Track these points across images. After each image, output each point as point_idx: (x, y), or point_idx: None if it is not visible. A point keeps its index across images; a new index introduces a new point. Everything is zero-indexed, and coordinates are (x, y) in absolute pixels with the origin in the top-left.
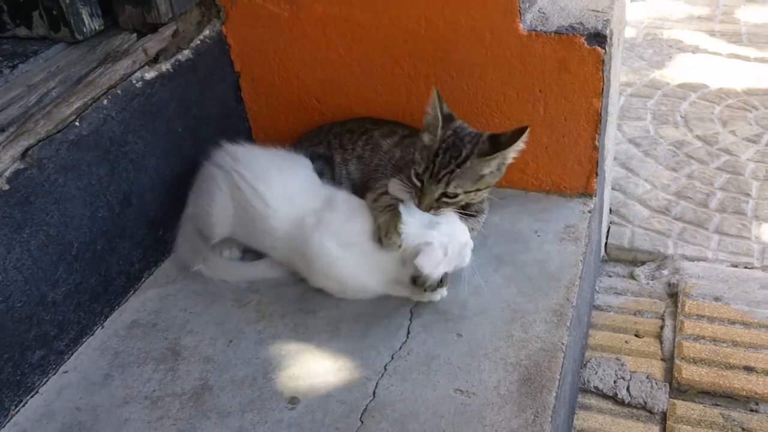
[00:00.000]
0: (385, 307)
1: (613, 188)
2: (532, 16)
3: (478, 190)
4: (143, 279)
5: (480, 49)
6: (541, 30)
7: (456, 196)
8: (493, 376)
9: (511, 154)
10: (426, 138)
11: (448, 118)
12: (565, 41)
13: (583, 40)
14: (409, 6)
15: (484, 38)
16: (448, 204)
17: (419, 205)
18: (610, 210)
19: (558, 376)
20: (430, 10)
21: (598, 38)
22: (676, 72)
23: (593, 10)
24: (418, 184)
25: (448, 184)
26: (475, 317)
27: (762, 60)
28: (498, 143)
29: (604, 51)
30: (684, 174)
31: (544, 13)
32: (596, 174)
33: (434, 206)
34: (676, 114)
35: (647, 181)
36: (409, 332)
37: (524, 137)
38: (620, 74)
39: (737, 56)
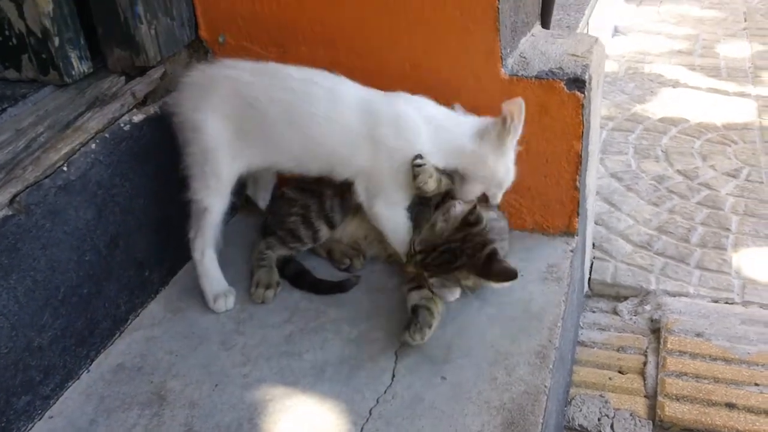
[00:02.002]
0: (370, 349)
1: (596, 223)
2: (513, 60)
3: (457, 287)
4: (129, 321)
5: (463, 92)
6: (522, 75)
7: (433, 285)
8: (477, 420)
9: (494, 285)
10: (439, 224)
11: (467, 224)
12: (545, 86)
13: (562, 84)
14: (393, 50)
15: (467, 82)
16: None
17: (405, 263)
18: (593, 245)
19: (541, 420)
20: (414, 55)
21: (578, 83)
22: (657, 106)
23: (572, 55)
24: (412, 251)
25: (430, 277)
26: (459, 359)
27: (741, 94)
28: (487, 269)
29: (583, 95)
30: (665, 209)
31: (524, 57)
32: (578, 213)
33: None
34: (657, 148)
35: (629, 216)
36: (394, 375)
37: (510, 283)
38: (600, 111)
39: (717, 90)
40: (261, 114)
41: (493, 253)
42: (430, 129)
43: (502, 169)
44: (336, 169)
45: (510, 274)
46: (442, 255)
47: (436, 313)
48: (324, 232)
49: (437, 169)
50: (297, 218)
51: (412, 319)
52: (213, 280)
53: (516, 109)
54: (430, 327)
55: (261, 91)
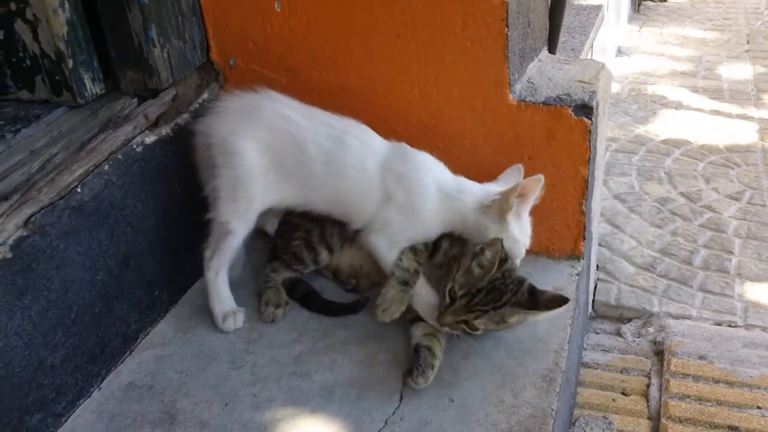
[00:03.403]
0: (378, 370)
1: (599, 244)
2: (521, 86)
3: (497, 329)
4: (139, 339)
5: (472, 117)
6: (530, 101)
7: (476, 329)
8: None
9: (542, 317)
10: (476, 270)
11: (502, 261)
12: (553, 112)
13: (570, 111)
14: (403, 76)
15: (475, 107)
16: (464, 330)
17: (438, 318)
18: (597, 266)
19: None
20: (423, 81)
21: (585, 109)
22: (660, 128)
23: (580, 81)
24: (448, 300)
25: (476, 318)
26: (466, 382)
27: (743, 116)
28: (535, 301)
29: (590, 122)
30: (668, 231)
31: (532, 83)
32: (583, 237)
33: (452, 326)
34: (660, 170)
35: (633, 238)
36: (402, 397)
37: (562, 309)
38: (606, 134)
39: (719, 112)
40: (305, 156)
41: (533, 287)
42: (438, 195)
43: (505, 241)
44: (355, 218)
45: (560, 300)
46: (489, 294)
47: (438, 352)
48: (324, 256)
49: (411, 251)
50: (300, 242)
51: (414, 362)
52: (223, 300)
53: (533, 184)
54: (433, 368)
55: (310, 135)
